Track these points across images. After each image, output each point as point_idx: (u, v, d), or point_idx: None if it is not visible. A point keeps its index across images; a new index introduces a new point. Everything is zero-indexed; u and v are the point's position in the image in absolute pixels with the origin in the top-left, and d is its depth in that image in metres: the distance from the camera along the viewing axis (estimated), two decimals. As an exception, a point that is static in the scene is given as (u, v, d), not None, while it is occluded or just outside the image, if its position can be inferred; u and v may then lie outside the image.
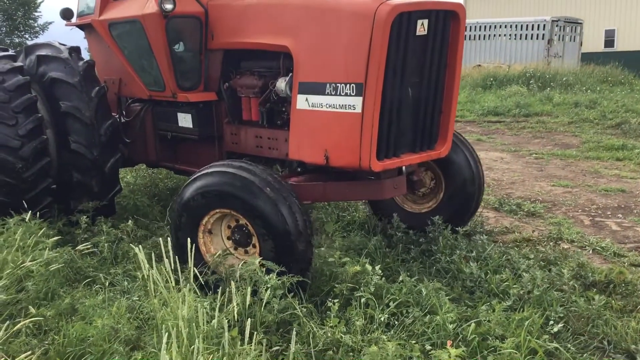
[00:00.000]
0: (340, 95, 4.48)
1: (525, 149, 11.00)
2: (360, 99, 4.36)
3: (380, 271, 4.28)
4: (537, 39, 26.06)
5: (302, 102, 4.79)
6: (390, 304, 4.00)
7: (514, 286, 4.33)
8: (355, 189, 5.05)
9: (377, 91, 4.33)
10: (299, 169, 5.62)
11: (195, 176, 4.72)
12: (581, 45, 28.71)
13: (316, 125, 4.72)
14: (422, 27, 4.48)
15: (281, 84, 5.08)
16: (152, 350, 3.42)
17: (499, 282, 4.49)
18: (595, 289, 4.46)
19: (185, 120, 6.11)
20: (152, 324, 3.78)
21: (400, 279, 4.24)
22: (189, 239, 4.76)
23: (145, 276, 3.84)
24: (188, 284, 3.82)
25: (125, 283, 4.69)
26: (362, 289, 4.10)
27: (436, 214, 5.68)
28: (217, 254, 4.72)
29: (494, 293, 4.40)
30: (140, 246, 3.98)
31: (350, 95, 4.41)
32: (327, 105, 4.58)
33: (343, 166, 4.69)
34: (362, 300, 3.97)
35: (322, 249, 4.68)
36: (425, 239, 5.57)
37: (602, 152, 10.20)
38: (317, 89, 4.65)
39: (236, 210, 4.46)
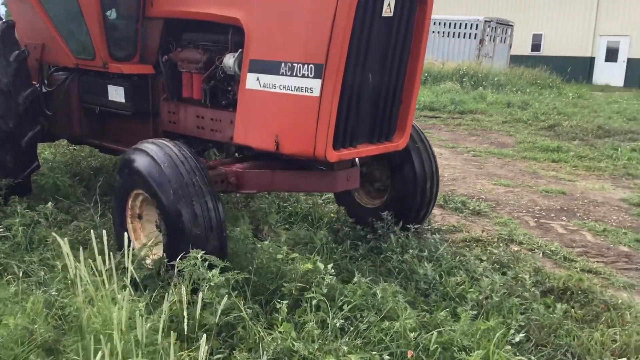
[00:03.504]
0: (296, 76, 4.08)
1: (462, 146, 10.93)
2: (319, 81, 3.97)
3: (333, 270, 3.93)
4: (469, 38, 26.42)
5: (253, 81, 4.36)
6: (344, 307, 3.65)
7: (471, 290, 4.09)
8: (306, 180, 4.66)
9: (338, 74, 3.96)
10: (237, 154, 5.22)
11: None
12: (510, 47, 29.39)
13: (267, 107, 4.31)
14: (388, 7, 4.14)
15: (229, 60, 4.62)
16: (75, 358, 2.93)
17: (454, 285, 4.24)
18: (552, 296, 4.27)
19: (116, 93, 5.54)
20: (75, 325, 3.28)
21: (355, 280, 3.90)
22: (120, 226, 4.38)
23: (69, 271, 3.31)
24: (115, 281, 3.32)
25: (42, 273, 4.12)
26: (313, 289, 3.73)
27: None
28: (143, 243, 4.28)
29: (450, 297, 4.14)
30: (61, 232, 3.45)
31: (308, 77, 4.02)
32: (281, 87, 4.17)
33: (295, 154, 4.30)
34: (314, 302, 3.61)
35: (266, 242, 4.27)
36: (373, 235, 5.27)
37: (538, 153, 10.25)
38: (270, 68, 4.23)
39: (146, 192, 4.13)
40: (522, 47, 32.46)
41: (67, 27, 5.64)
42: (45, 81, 6.20)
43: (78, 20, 5.37)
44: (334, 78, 3.94)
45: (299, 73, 4.06)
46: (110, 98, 5.60)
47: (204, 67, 4.94)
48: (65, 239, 3.22)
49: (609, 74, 31.91)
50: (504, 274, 4.58)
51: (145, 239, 4.39)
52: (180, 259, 3.73)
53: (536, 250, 5.43)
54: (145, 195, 4.18)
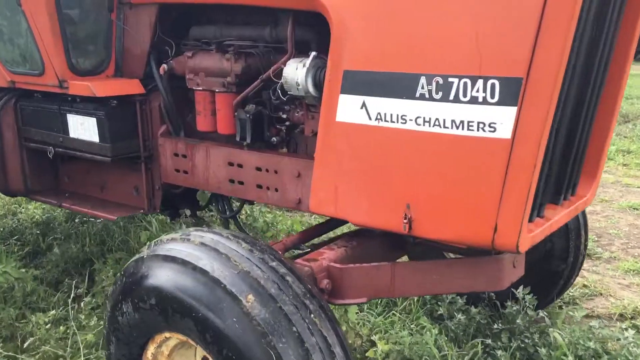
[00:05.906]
0: (457, 101, 2.17)
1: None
2: (512, 110, 2.07)
3: None
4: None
5: (353, 109, 2.42)
6: None
7: None
8: (450, 275, 2.71)
9: (553, 97, 2.08)
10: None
11: (133, 259, 2.32)
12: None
13: (386, 156, 2.38)
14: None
15: (295, 70, 2.66)
16: None
17: None
18: None
19: (83, 128, 3.48)
20: None
21: None
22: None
23: None
24: None
25: None
26: None
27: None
28: None
29: None
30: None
31: (486, 102, 2.11)
32: (421, 121, 2.25)
33: (448, 240, 2.41)
34: None
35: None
36: (502, 323, 3.47)
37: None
38: (392, 86, 2.30)
39: (190, 337, 2.15)
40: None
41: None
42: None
43: (13, 14, 3.30)
44: (547, 104, 2.06)
45: (463, 96, 2.16)
46: (72, 135, 3.53)
47: (239, 81, 2.98)
48: None
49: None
50: None
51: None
52: None
53: None
54: (179, 338, 2.21)
